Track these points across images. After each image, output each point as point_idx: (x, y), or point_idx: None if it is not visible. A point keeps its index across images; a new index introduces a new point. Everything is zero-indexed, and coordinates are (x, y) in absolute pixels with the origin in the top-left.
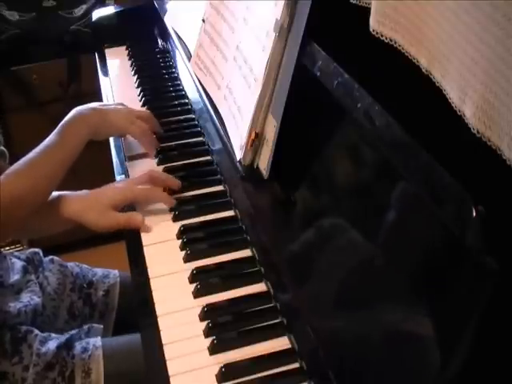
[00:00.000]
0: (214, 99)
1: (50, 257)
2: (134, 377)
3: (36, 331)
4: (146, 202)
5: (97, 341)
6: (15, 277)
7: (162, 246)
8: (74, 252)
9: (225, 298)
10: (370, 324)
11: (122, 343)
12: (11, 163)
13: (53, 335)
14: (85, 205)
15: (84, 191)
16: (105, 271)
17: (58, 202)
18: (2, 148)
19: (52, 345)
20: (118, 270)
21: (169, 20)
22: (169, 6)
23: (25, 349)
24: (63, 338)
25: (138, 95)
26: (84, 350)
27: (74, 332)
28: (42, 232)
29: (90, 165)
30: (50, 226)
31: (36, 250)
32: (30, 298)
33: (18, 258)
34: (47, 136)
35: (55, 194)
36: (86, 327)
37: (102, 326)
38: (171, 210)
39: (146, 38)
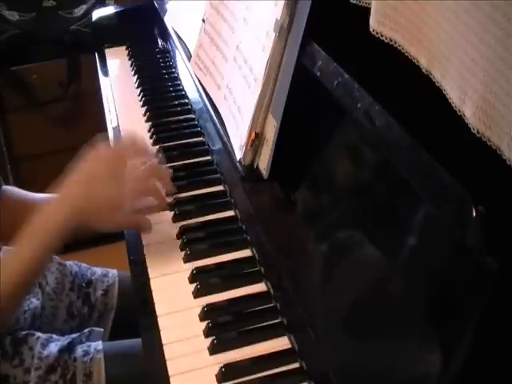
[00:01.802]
0: (213, 99)
1: None
2: (135, 380)
3: (37, 334)
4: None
5: (98, 344)
6: None
7: (162, 246)
8: (73, 252)
9: (225, 298)
10: (368, 324)
11: (123, 347)
12: (11, 163)
13: (54, 337)
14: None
15: None
16: (103, 270)
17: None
18: None
19: (54, 348)
20: (116, 269)
21: (169, 20)
22: (169, 6)
23: (25, 351)
24: (65, 341)
25: (138, 95)
26: (85, 354)
27: (75, 335)
28: None
29: None
30: None
31: None
32: (29, 301)
33: None
34: (47, 136)
35: (55, 194)
36: (87, 331)
37: (102, 330)
38: (171, 209)
39: (146, 38)
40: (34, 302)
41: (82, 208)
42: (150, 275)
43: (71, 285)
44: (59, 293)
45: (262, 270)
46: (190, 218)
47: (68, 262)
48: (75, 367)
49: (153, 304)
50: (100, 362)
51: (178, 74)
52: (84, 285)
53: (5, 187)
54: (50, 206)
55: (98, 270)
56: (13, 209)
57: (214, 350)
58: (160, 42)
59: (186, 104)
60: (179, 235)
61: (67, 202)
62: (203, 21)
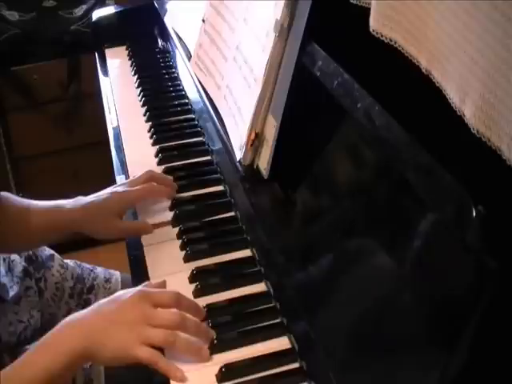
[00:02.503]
0: (213, 99)
1: (51, 252)
2: None
3: (34, 343)
4: (148, 198)
5: None
6: (14, 287)
7: (162, 246)
8: (74, 252)
9: (225, 298)
10: (367, 324)
11: None
12: (11, 163)
13: None
14: (88, 215)
15: (81, 199)
16: (106, 273)
17: (55, 214)
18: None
19: None
20: (120, 271)
21: (169, 20)
22: (169, 6)
23: None
24: None
25: (138, 95)
26: None
27: None
28: (37, 245)
29: (90, 165)
30: (47, 238)
31: None
32: (29, 315)
33: (19, 253)
34: (47, 136)
35: (50, 203)
36: None
37: None
38: (171, 209)
39: (146, 38)
40: (35, 315)
41: (90, 351)
42: (150, 275)
43: (71, 291)
44: (58, 300)
45: (262, 270)
46: (190, 218)
47: (70, 264)
48: (75, 374)
49: None
50: (99, 368)
51: (177, 74)
52: (85, 291)
53: (2, 193)
54: (64, 334)
55: (101, 273)
56: (10, 216)
57: (213, 349)
58: (160, 41)
59: (186, 104)
60: (179, 235)
61: (81, 338)
62: (203, 21)
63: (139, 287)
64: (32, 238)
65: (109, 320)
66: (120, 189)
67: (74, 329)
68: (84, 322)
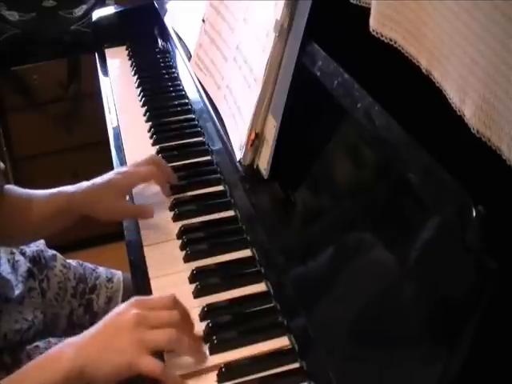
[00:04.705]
0: (213, 99)
1: (53, 252)
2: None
3: (34, 343)
4: (149, 182)
5: None
6: (19, 286)
7: (162, 246)
8: (75, 251)
9: (225, 298)
10: (367, 323)
11: None
12: (11, 163)
13: (51, 340)
14: (90, 196)
15: (83, 183)
16: (108, 273)
17: (58, 198)
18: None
19: None
20: (122, 271)
21: (169, 20)
22: (169, 5)
23: (24, 359)
24: None
25: (138, 95)
26: None
27: None
28: (42, 234)
29: (90, 165)
30: (52, 225)
31: (41, 245)
32: (33, 315)
33: (23, 255)
34: (47, 136)
35: (53, 190)
36: None
37: None
38: (171, 209)
39: (146, 38)
40: (38, 316)
41: (87, 370)
42: (150, 275)
43: (74, 290)
44: (60, 300)
45: (262, 270)
46: (190, 218)
47: (72, 264)
48: None
49: None
50: None
51: (177, 74)
52: (87, 290)
53: (7, 186)
54: (61, 352)
55: (103, 273)
56: (14, 207)
57: (213, 349)
58: (160, 42)
59: (186, 104)
60: (179, 235)
61: (77, 356)
62: (203, 21)
63: (131, 299)
64: (37, 226)
65: (103, 333)
66: (123, 169)
67: (70, 347)
68: (79, 340)
